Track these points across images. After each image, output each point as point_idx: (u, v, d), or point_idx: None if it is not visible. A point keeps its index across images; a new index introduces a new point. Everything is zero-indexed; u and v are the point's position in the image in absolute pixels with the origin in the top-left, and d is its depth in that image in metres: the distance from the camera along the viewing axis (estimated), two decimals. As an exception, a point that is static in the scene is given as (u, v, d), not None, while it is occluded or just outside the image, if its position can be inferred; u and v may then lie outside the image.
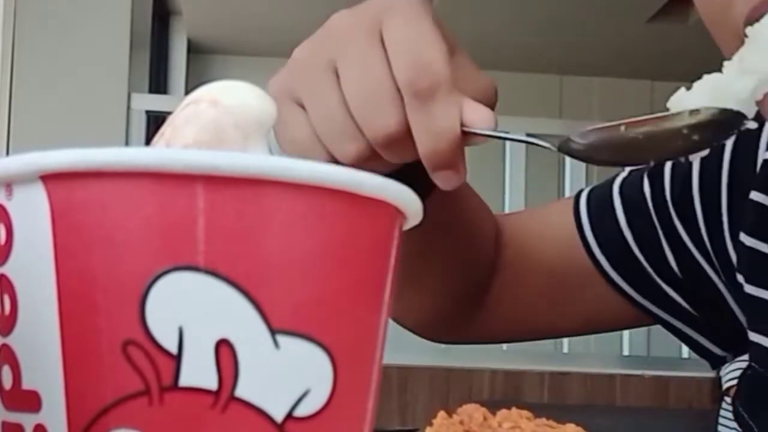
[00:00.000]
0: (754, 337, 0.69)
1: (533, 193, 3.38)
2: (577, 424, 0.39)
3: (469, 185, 0.72)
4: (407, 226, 0.36)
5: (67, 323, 0.31)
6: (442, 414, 0.40)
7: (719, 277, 0.75)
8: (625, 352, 3.46)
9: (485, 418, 0.40)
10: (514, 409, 0.40)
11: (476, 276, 0.78)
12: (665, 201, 0.77)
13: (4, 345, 0.32)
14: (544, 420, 0.40)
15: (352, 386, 0.33)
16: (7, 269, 0.32)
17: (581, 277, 0.79)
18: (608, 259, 0.78)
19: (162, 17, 4.04)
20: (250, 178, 0.31)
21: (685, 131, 0.51)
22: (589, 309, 0.80)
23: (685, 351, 3.22)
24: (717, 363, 0.81)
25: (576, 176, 3.36)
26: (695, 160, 0.74)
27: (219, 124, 0.34)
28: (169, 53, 4.20)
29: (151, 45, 3.68)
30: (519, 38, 3.98)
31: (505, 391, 3.10)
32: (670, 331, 0.80)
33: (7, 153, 2.77)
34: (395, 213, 0.34)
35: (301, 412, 0.31)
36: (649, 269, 0.78)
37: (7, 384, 0.32)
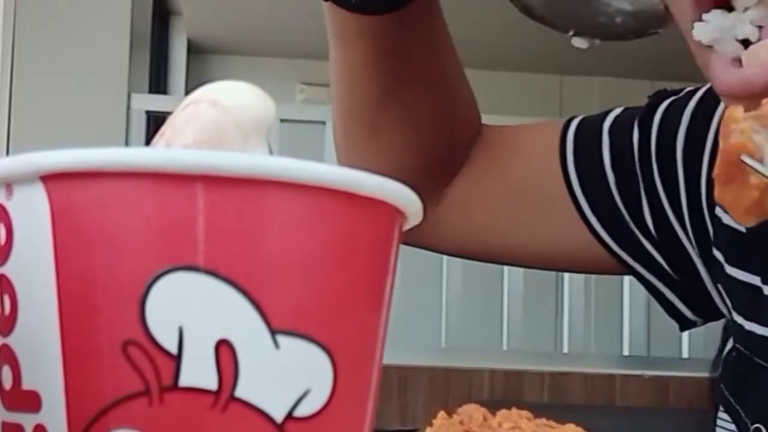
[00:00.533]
0: (738, 319, 0.66)
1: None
2: (577, 424, 0.39)
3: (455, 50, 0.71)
4: (407, 226, 0.36)
5: (67, 323, 0.31)
6: (442, 414, 0.40)
7: (693, 248, 0.72)
8: (625, 352, 3.46)
9: (485, 418, 0.40)
10: (514, 409, 0.40)
11: (447, 137, 0.75)
12: (650, 153, 0.74)
13: (4, 345, 0.32)
14: (544, 420, 0.40)
15: (352, 386, 0.33)
16: (7, 269, 0.32)
17: (551, 206, 0.76)
18: (586, 196, 0.75)
19: (162, 17, 4.04)
20: (250, 178, 0.31)
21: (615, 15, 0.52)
22: (550, 239, 0.77)
23: (685, 351, 3.22)
24: (687, 326, 0.77)
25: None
26: (685, 114, 0.72)
27: (219, 124, 0.34)
28: (169, 53, 4.20)
29: (151, 45, 3.68)
30: (519, 38, 3.98)
31: (505, 391, 3.10)
32: (643, 284, 0.76)
33: (7, 153, 2.77)
34: (395, 213, 0.34)
35: (301, 412, 0.31)
36: (628, 218, 0.74)
37: (7, 384, 0.32)
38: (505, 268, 3.19)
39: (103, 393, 0.30)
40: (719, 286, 0.70)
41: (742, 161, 0.45)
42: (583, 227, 0.76)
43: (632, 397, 3.12)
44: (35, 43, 2.98)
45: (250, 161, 0.31)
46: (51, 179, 0.31)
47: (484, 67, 4.27)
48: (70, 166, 0.31)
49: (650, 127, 0.74)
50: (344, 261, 0.32)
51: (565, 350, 3.32)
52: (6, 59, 2.94)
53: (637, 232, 0.74)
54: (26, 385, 0.32)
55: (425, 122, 0.74)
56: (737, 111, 0.46)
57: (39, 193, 0.31)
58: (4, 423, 0.32)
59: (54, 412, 0.31)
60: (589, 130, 0.77)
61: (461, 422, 0.39)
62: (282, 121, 2.86)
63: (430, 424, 0.40)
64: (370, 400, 0.34)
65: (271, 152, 0.35)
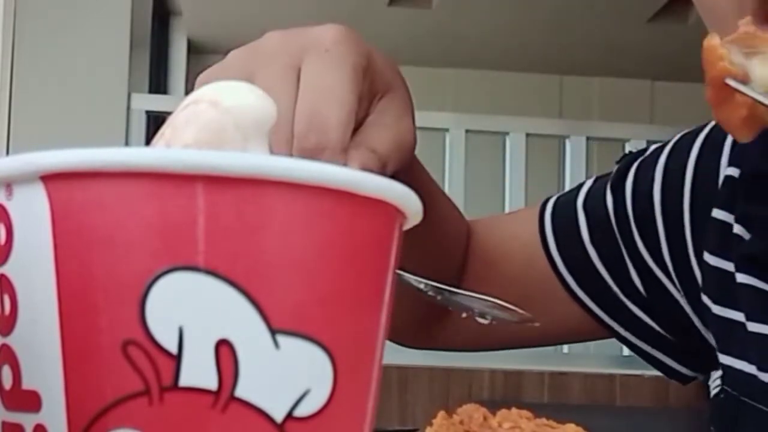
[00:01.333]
0: (724, 359, 0.67)
1: (533, 192, 3.38)
2: (577, 424, 0.39)
3: (438, 186, 0.72)
4: (407, 226, 0.36)
5: (67, 323, 0.31)
6: (442, 414, 0.40)
7: (683, 296, 0.73)
8: (625, 352, 3.46)
9: (485, 418, 0.40)
10: (514, 409, 0.40)
11: (447, 278, 0.77)
12: (627, 217, 0.75)
13: (4, 345, 0.32)
14: (544, 420, 0.40)
15: (352, 386, 0.33)
16: (7, 269, 0.32)
17: (544, 290, 0.78)
18: (573, 275, 0.77)
19: (162, 17, 4.04)
20: (250, 178, 0.31)
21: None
22: (551, 321, 0.79)
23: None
24: (687, 381, 0.79)
25: (576, 174, 3.36)
26: (657, 170, 0.73)
27: (219, 124, 0.34)
28: (169, 53, 4.20)
29: (151, 45, 3.68)
30: (519, 38, 3.98)
31: (505, 391, 3.10)
32: (636, 353, 0.79)
33: (7, 153, 2.77)
34: (395, 213, 0.34)
35: (301, 412, 0.31)
36: (615, 288, 0.76)
37: (7, 384, 0.32)
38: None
39: (103, 393, 0.30)
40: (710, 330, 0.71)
41: (727, 84, 0.49)
42: (575, 305, 0.78)
43: (632, 397, 3.12)
44: (35, 43, 2.98)
45: (250, 161, 0.31)
46: (51, 179, 0.31)
47: (484, 67, 4.28)
48: (70, 166, 0.31)
49: (623, 192, 0.76)
50: (344, 261, 0.32)
51: (565, 350, 3.32)
52: (6, 59, 2.94)
53: (627, 302, 0.76)
54: (26, 384, 0.32)
55: (430, 267, 0.76)
56: (714, 39, 0.49)
57: (39, 193, 0.31)
58: (4, 423, 0.32)
59: (54, 412, 0.31)
60: (565, 210, 0.79)
61: (461, 422, 0.40)
62: (282, 121, 2.86)
63: (430, 424, 0.40)
64: (370, 400, 0.34)
65: (271, 152, 0.35)
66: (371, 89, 0.54)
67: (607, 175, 0.78)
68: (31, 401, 0.31)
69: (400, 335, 0.79)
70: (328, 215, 0.32)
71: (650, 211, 0.74)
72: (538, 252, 0.78)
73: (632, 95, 4.39)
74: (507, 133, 3.24)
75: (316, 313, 0.32)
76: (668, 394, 3.11)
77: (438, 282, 0.69)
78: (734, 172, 0.69)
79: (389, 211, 0.34)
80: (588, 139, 3.33)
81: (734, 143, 0.70)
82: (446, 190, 3.22)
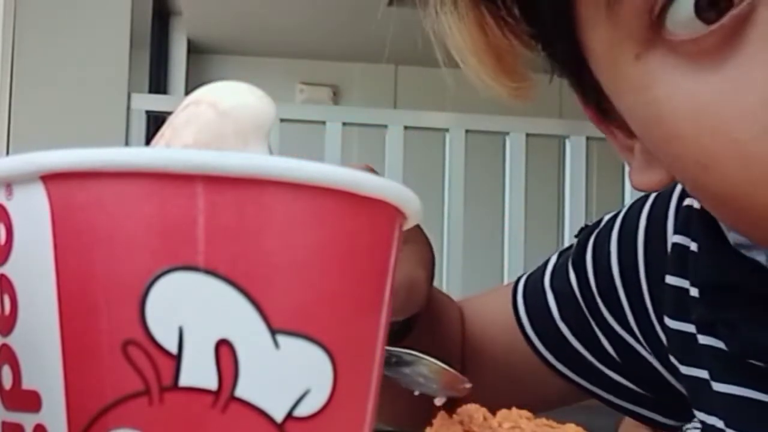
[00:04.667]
0: (698, 414, 0.69)
1: (533, 192, 3.38)
2: (577, 424, 0.39)
3: (437, 289, 0.75)
4: (407, 226, 0.36)
5: (67, 323, 0.31)
6: (442, 414, 0.40)
7: (654, 358, 0.75)
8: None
9: (485, 418, 0.40)
10: (514, 409, 0.40)
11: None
12: (591, 291, 0.77)
13: (4, 345, 0.32)
14: (544, 420, 0.40)
15: (352, 386, 0.33)
16: (7, 269, 0.32)
17: (528, 370, 0.81)
18: (551, 351, 0.79)
19: (162, 17, 4.04)
20: (250, 178, 0.31)
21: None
22: (539, 395, 0.81)
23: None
24: (672, 430, 0.82)
25: (576, 174, 3.36)
26: (612, 242, 0.75)
27: (219, 124, 0.34)
28: (169, 53, 4.20)
29: (151, 45, 3.68)
30: (519, 38, 3.98)
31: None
32: (621, 411, 0.82)
33: (7, 153, 2.76)
34: (395, 213, 0.34)
35: (301, 412, 0.31)
36: (591, 358, 0.78)
37: (7, 384, 0.32)
38: (506, 267, 3.19)
39: (103, 393, 0.30)
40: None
41: None
42: (559, 379, 0.81)
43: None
44: (35, 43, 2.98)
45: (250, 161, 0.31)
46: (51, 179, 0.31)
47: (484, 67, 4.27)
48: (70, 166, 0.31)
49: (584, 267, 0.78)
50: (344, 261, 0.32)
51: (565, 350, 3.31)
52: (6, 59, 2.94)
53: (605, 369, 0.79)
54: (26, 384, 0.32)
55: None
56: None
57: (39, 193, 0.31)
58: (4, 423, 0.32)
59: (54, 411, 0.31)
60: (534, 290, 0.81)
61: (461, 422, 0.39)
62: (282, 121, 2.86)
63: (430, 424, 0.40)
64: (370, 400, 0.34)
65: (271, 152, 0.35)
66: None
67: (569, 249, 0.81)
68: (31, 401, 0.31)
69: (405, 427, 0.81)
70: (328, 215, 0.32)
71: (611, 284, 0.76)
72: (517, 335, 0.81)
73: (632, 95, 4.38)
74: (507, 133, 3.24)
75: (316, 313, 0.32)
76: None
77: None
78: (680, 239, 0.70)
79: (389, 211, 0.34)
80: (588, 139, 3.33)
81: (677, 211, 0.72)
82: (446, 190, 3.21)
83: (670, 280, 0.70)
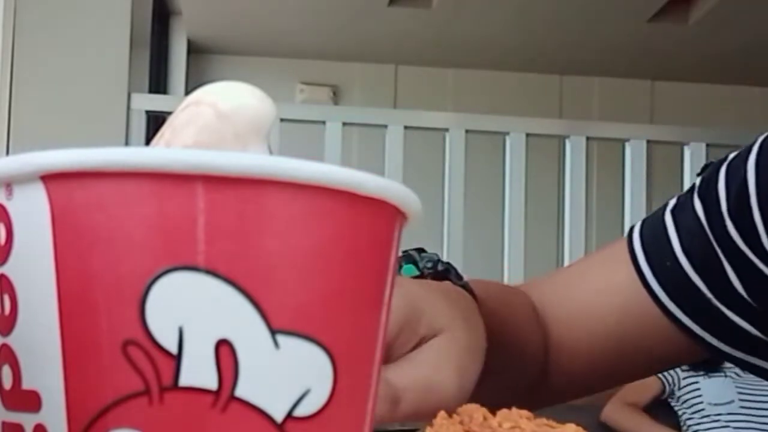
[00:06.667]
0: None
1: (533, 192, 3.38)
2: (577, 424, 0.39)
3: (513, 307, 0.72)
4: (407, 226, 0.36)
5: (67, 323, 0.31)
6: (442, 414, 0.40)
7: None
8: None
9: (485, 418, 0.40)
10: (514, 409, 0.40)
11: (527, 382, 0.77)
12: (720, 214, 0.74)
13: (4, 345, 0.32)
14: (544, 420, 0.39)
15: (352, 386, 0.33)
16: (7, 269, 0.32)
17: (642, 325, 0.77)
18: (666, 292, 0.75)
19: (162, 17, 4.04)
20: (250, 178, 0.31)
21: None
22: (653, 355, 0.78)
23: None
24: None
25: (576, 174, 3.36)
26: (750, 175, 0.73)
27: (219, 125, 0.34)
28: (169, 53, 4.20)
29: (151, 45, 3.68)
30: (519, 38, 3.98)
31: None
32: (749, 370, 0.77)
33: (7, 153, 2.76)
34: (395, 213, 0.34)
35: (301, 412, 0.31)
36: (716, 302, 0.74)
37: (7, 384, 0.32)
38: (506, 266, 3.19)
39: (103, 393, 0.30)
40: None
41: None
42: (676, 330, 0.76)
43: (632, 397, 3.12)
44: (35, 43, 2.98)
45: (250, 161, 0.31)
46: (51, 179, 0.31)
47: (484, 67, 4.28)
48: (70, 166, 0.31)
49: (714, 194, 0.75)
50: (344, 261, 0.32)
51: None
52: (6, 59, 2.94)
53: (728, 312, 0.74)
54: (26, 384, 0.32)
55: (510, 387, 0.75)
56: None
57: (39, 193, 0.31)
58: (4, 423, 0.32)
59: (54, 411, 0.31)
60: (652, 225, 0.78)
61: (461, 422, 0.39)
62: (282, 120, 2.86)
63: (430, 424, 0.40)
64: (370, 400, 0.34)
65: (271, 152, 0.35)
66: (414, 331, 0.54)
67: (690, 191, 0.78)
68: (31, 401, 0.31)
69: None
70: (328, 215, 0.32)
71: (746, 207, 0.73)
72: (629, 288, 0.77)
73: (632, 95, 4.39)
74: (507, 133, 3.24)
75: (316, 313, 0.32)
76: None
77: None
78: None
79: (389, 211, 0.34)
80: (588, 139, 3.33)
81: None
82: (446, 190, 3.21)
83: None
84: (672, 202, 0.78)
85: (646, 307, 0.76)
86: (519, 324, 0.74)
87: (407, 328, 0.54)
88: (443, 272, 0.66)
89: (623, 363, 0.78)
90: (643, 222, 0.79)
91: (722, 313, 0.74)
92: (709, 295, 0.74)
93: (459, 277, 0.66)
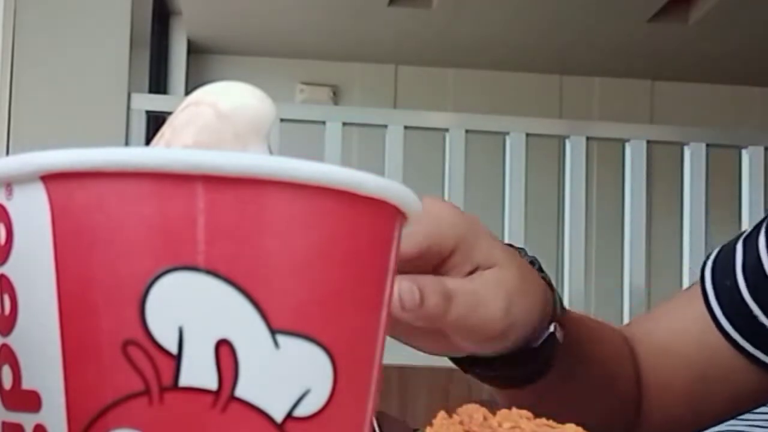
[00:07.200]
0: None
1: (533, 192, 3.38)
2: (578, 424, 0.39)
3: (598, 336, 0.72)
4: (407, 227, 0.36)
5: (67, 323, 0.31)
6: (442, 414, 0.40)
7: None
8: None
9: (485, 418, 0.40)
10: (514, 409, 0.40)
11: (623, 418, 0.76)
12: None
13: (4, 345, 0.32)
14: (544, 420, 0.39)
15: (352, 386, 0.33)
16: (7, 269, 0.32)
17: (720, 362, 0.76)
18: (738, 330, 0.75)
19: (162, 17, 4.04)
20: (250, 178, 0.31)
21: None
22: (732, 391, 0.77)
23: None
24: None
25: (576, 174, 3.36)
26: None
27: (219, 125, 0.34)
28: (169, 53, 4.20)
29: (151, 45, 3.68)
30: (519, 38, 3.98)
31: (505, 391, 3.09)
32: None
33: (7, 153, 2.76)
34: (395, 213, 0.34)
35: (301, 412, 0.31)
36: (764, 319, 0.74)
37: (7, 384, 0.32)
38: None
39: (103, 393, 0.30)
40: None
41: None
42: (752, 366, 0.76)
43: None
44: (35, 43, 2.98)
45: (250, 161, 0.31)
46: (51, 179, 0.31)
47: (484, 67, 4.27)
48: (70, 166, 0.31)
49: None
50: (344, 261, 0.32)
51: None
52: (6, 59, 2.94)
53: None
54: (26, 384, 0.32)
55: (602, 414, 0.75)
56: None
57: (39, 193, 0.31)
58: (4, 423, 0.32)
59: (54, 412, 0.31)
60: (722, 262, 0.77)
61: (461, 422, 0.39)
62: (282, 121, 2.86)
63: (430, 424, 0.40)
64: (370, 400, 0.34)
65: (271, 152, 0.35)
66: (469, 254, 0.55)
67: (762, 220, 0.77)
68: (31, 401, 0.31)
69: None
70: (329, 215, 0.32)
71: None
72: (708, 326, 0.76)
73: (632, 95, 4.38)
74: (507, 133, 3.24)
75: (316, 313, 0.32)
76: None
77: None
78: None
79: (389, 211, 0.34)
80: (588, 139, 3.33)
81: None
82: (446, 190, 3.20)
83: None
84: (744, 235, 0.78)
85: (717, 337, 0.76)
86: (608, 350, 0.74)
87: (463, 246, 0.55)
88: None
89: (710, 400, 0.77)
90: (715, 259, 0.79)
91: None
92: (759, 314, 0.74)
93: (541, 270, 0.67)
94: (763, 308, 0.75)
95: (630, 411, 0.77)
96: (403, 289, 0.52)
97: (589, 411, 0.71)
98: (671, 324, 0.80)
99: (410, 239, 0.52)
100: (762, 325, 0.75)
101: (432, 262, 0.56)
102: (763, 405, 0.81)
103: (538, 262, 0.66)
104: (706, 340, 0.77)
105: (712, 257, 0.79)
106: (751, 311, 0.75)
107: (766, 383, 0.77)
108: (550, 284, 0.65)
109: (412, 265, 0.54)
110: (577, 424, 0.39)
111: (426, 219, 0.55)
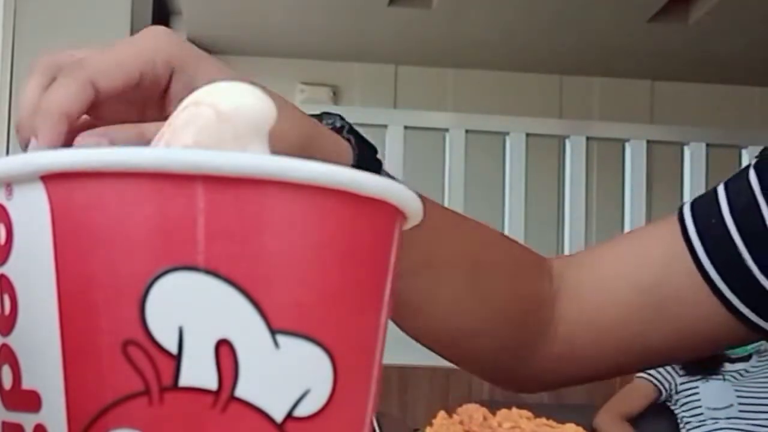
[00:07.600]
0: None
1: (533, 192, 3.39)
2: (577, 424, 0.39)
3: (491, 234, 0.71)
4: (407, 226, 0.36)
5: (67, 323, 0.31)
6: (442, 414, 0.40)
7: None
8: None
9: (485, 418, 0.40)
10: (514, 409, 0.40)
11: (521, 337, 0.74)
12: None
13: (4, 345, 0.32)
14: (544, 420, 0.40)
15: (352, 386, 0.33)
16: (7, 269, 0.32)
17: (681, 295, 0.75)
18: (717, 269, 0.74)
19: (162, 17, 4.04)
20: (250, 178, 0.31)
21: None
22: (689, 331, 0.76)
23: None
24: None
25: (576, 174, 3.36)
26: None
27: (219, 125, 0.33)
28: (169, 53, 4.19)
29: (151, 45, 3.68)
30: (519, 38, 3.98)
31: (505, 391, 3.10)
32: None
33: (7, 153, 2.76)
34: (395, 213, 0.34)
35: (301, 412, 0.31)
36: (764, 281, 0.73)
37: (7, 384, 0.32)
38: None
39: (103, 393, 0.30)
40: None
41: None
42: (718, 304, 0.75)
43: (632, 397, 3.12)
44: (35, 43, 2.98)
45: (250, 161, 0.31)
46: (51, 179, 0.31)
47: (485, 67, 4.28)
48: (70, 166, 0.31)
49: None
50: (344, 261, 0.32)
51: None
52: (6, 59, 2.94)
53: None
54: (26, 384, 0.32)
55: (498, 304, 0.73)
56: None
57: (39, 193, 0.31)
58: (4, 423, 0.32)
59: (54, 411, 0.31)
60: (705, 202, 0.77)
61: (461, 422, 0.39)
62: (282, 121, 2.85)
63: (430, 424, 0.40)
64: (370, 400, 0.34)
65: (270, 152, 0.35)
66: (184, 87, 0.50)
67: (745, 168, 0.76)
68: (31, 401, 0.31)
69: (493, 376, 0.77)
70: (329, 215, 0.32)
71: None
72: (673, 256, 0.76)
73: (632, 95, 4.39)
74: (507, 133, 3.24)
75: (316, 313, 0.32)
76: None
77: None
78: None
79: (389, 211, 0.34)
80: (588, 139, 3.34)
81: None
82: (446, 190, 3.21)
83: None
84: (724, 182, 0.77)
85: (690, 283, 0.75)
86: (476, 238, 0.72)
87: (181, 71, 0.51)
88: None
89: (656, 333, 0.76)
90: (693, 202, 0.78)
91: (757, 281, 0.73)
92: (761, 278, 0.73)
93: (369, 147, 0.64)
94: (750, 249, 0.74)
95: (530, 328, 0.74)
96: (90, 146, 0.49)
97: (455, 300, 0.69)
98: (626, 255, 0.78)
99: (119, 70, 0.50)
100: (749, 269, 0.74)
101: (149, 94, 0.51)
102: (720, 348, 0.79)
103: (346, 124, 0.63)
104: (671, 271, 0.75)
105: (688, 204, 0.77)
106: (736, 246, 0.74)
107: (727, 324, 0.75)
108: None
109: (129, 99, 0.51)
110: (577, 424, 0.39)
111: (134, 48, 0.51)
